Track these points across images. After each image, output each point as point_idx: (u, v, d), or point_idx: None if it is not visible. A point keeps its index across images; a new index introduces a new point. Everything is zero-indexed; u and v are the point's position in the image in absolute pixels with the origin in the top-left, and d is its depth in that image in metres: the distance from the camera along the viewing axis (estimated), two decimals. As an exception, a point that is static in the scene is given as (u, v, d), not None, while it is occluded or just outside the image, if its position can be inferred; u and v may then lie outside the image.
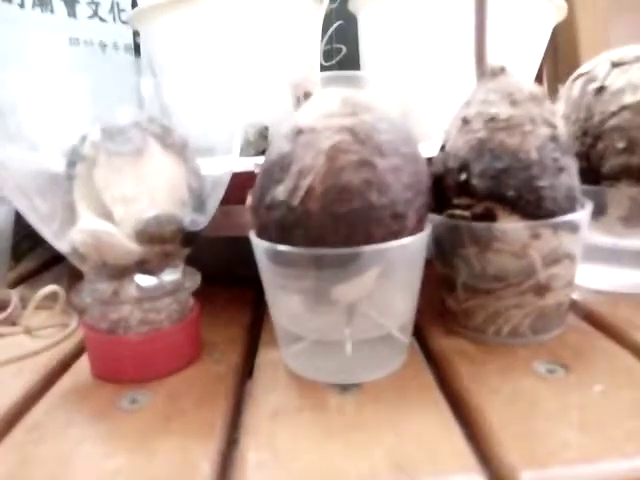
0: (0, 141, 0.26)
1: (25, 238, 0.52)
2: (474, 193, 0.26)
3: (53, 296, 0.35)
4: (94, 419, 0.24)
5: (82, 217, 0.25)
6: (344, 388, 0.25)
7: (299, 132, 0.23)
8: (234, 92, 0.31)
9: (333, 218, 0.22)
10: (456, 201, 0.27)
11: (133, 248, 0.24)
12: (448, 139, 0.28)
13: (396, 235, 0.23)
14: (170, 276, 0.28)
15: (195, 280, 0.28)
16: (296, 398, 0.25)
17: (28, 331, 0.33)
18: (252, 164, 0.34)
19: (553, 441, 0.21)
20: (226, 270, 0.40)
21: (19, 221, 0.45)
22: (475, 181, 0.26)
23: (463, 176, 0.27)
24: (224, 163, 0.30)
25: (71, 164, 0.26)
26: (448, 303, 0.31)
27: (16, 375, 0.28)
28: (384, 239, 0.23)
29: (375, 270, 0.24)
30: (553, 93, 0.36)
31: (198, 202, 0.28)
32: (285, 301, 0.27)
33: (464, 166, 0.27)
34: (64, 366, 0.29)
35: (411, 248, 0.24)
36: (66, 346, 0.32)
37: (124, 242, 0.24)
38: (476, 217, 0.27)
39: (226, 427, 0.23)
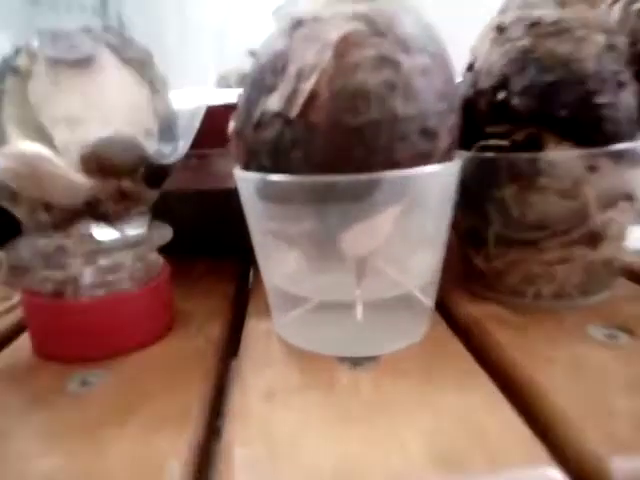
0: None
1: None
2: (514, 116, 0.21)
3: None
4: (30, 407, 0.18)
5: (13, 142, 0.19)
6: (355, 362, 0.20)
7: (297, 23, 0.18)
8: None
9: (343, 133, 0.17)
10: (490, 129, 0.22)
11: (78, 180, 0.18)
12: (477, 55, 0.23)
13: (425, 159, 0.18)
14: (134, 230, 0.22)
15: (164, 234, 0.23)
16: (296, 375, 0.19)
17: (-40, 305, 0.27)
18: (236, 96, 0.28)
19: (638, 420, 0.16)
20: (199, 235, 0.34)
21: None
22: (516, 101, 0.21)
23: (500, 96, 0.21)
24: (198, 94, 0.24)
25: (1, 79, 0.20)
26: (475, 261, 0.25)
27: (-63, 355, 0.22)
28: (410, 163, 0.18)
29: (395, 208, 0.19)
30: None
31: (167, 134, 0.22)
32: (280, 253, 0.22)
33: (501, 84, 0.21)
34: (1, 344, 0.23)
35: (443, 179, 0.19)
36: (4, 322, 0.25)
37: (65, 170, 0.18)
38: (516, 147, 0.22)
39: (204, 413, 0.18)
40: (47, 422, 0.17)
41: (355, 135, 0.17)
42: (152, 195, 0.21)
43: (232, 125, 0.21)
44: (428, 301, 0.22)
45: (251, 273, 0.33)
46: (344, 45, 0.17)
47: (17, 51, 0.21)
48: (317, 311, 0.21)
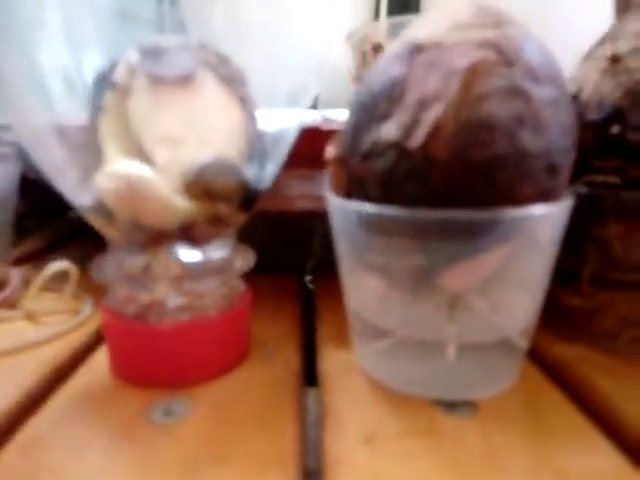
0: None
1: (29, 215, 0.46)
2: (629, 152, 0.20)
3: (62, 276, 0.28)
4: (117, 438, 0.17)
5: (111, 160, 0.18)
6: (451, 406, 0.19)
7: (417, 49, 0.17)
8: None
9: (466, 167, 0.16)
10: (598, 164, 0.21)
11: (179, 204, 0.18)
12: (583, 86, 0.22)
13: (546, 197, 0.17)
14: (217, 252, 0.21)
15: (248, 259, 0.22)
16: (392, 417, 0.18)
17: (30, 316, 0.27)
18: (319, 118, 0.28)
19: None
20: (266, 253, 0.33)
21: (24, 196, 0.39)
22: (632, 135, 0.20)
23: (614, 129, 0.20)
24: (286, 116, 0.23)
25: (97, 93, 0.20)
26: (564, 300, 0.24)
27: (11, 371, 0.21)
28: (532, 201, 0.16)
29: (506, 247, 0.18)
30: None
31: (257, 156, 0.21)
32: (369, 282, 0.21)
33: (615, 117, 0.20)
34: (74, 362, 0.23)
35: (558, 218, 0.18)
36: (78, 336, 0.25)
37: (168, 194, 0.17)
38: (628, 184, 0.20)
39: (301, 454, 0.17)
40: (138, 457, 0.16)
41: (478, 170, 0.16)
42: (242, 219, 0.21)
43: (331, 151, 0.20)
44: (525, 344, 0.21)
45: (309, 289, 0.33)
46: (472, 74, 0.16)
47: (113, 65, 0.20)
48: (403, 345, 0.20)
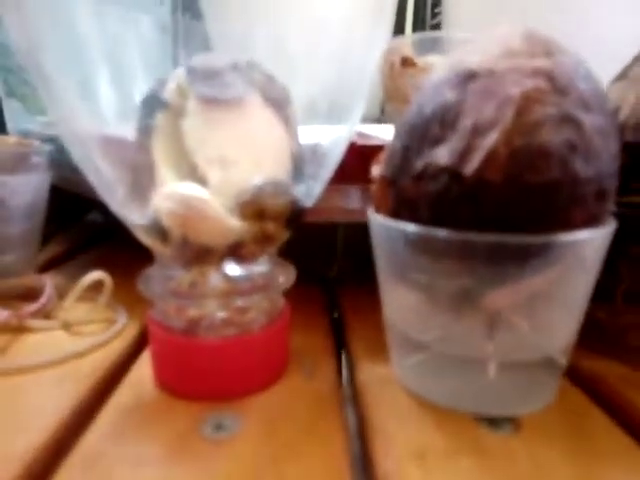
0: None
1: (50, 220, 0.46)
2: (668, 174, 0.20)
3: (96, 285, 0.29)
4: (170, 454, 0.17)
5: (165, 180, 0.19)
6: (493, 423, 0.19)
7: (471, 75, 0.17)
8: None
9: (519, 193, 0.16)
10: (636, 185, 0.21)
11: (233, 225, 0.18)
12: (620, 106, 0.22)
13: (595, 221, 0.17)
14: (259, 267, 0.22)
15: (290, 274, 0.22)
16: (437, 433, 0.19)
17: (66, 326, 0.27)
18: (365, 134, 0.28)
19: None
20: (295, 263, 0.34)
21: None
22: (671, 159, 0.20)
23: (653, 152, 0.21)
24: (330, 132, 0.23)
25: (148, 113, 0.20)
26: (597, 316, 0.25)
27: (57, 384, 0.22)
28: (582, 225, 0.17)
29: (554, 270, 0.18)
30: None
31: (301, 174, 0.22)
32: (412, 298, 0.21)
33: (654, 139, 0.21)
34: (117, 373, 0.23)
35: (605, 240, 0.18)
36: (116, 347, 0.25)
37: (223, 215, 0.18)
38: (666, 206, 0.21)
39: (357, 473, 0.17)
40: (196, 473, 0.17)
41: (532, 196, 0.16)
42: (286, 236, 0.21)
43: (377, 170, 0.20)
44: (565, 362, 0.21)
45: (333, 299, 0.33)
46: (526, 102, 0.16)
47: (161, 84, 0.21)
48: (443, 360, 0.21)
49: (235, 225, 0.18)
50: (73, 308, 0.28)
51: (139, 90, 0.21)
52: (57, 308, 0.28)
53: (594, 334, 0.25)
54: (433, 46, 0.32)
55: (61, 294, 0.29)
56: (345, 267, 0.36)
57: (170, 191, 0.18)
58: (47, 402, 0.20)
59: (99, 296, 0.29)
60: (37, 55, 0.18)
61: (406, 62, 0.31)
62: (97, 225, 0.52)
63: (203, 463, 0.17)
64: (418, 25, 0.78)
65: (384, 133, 0.30)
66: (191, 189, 0.17)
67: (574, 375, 0.23)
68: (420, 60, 0.30)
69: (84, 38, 0.20)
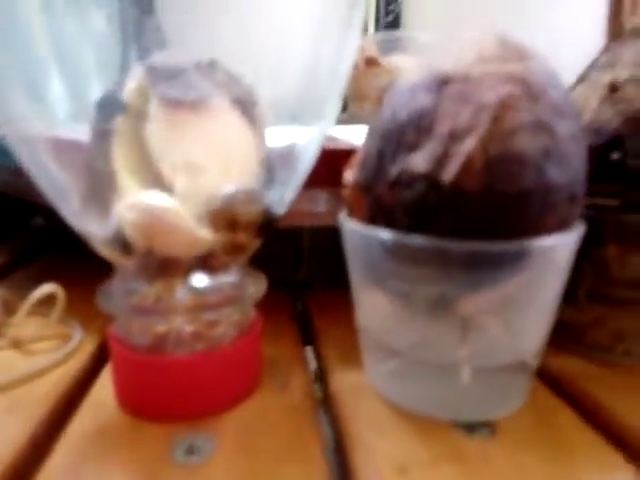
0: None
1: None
2: (628, 177, 0.21)
3: (46, 298, 0.27)
4: (141, 480, 0.16)
5: (128, 189, 0.17)
6: (470, 428, 0.19)
7: (446, 81, 0.17)
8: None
9: (496, 200, 0.16)
10: (598, 187, 0.22)
11: (203, 235, 0.17)
12: (585, 109, 0.23)
13: (565, 225, 0.18)
14: (228, 277, 0.21)
15: (261, 284, 0.21)
16: (418, 443, 0.18)
17: (17, 344, 0.25)
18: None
19: None
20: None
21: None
22: (631, 161, 0.21)
23: (614, 156, 0.21)
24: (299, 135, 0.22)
25: (105, 116, 0.19)
26: (562, 314, 0.25)
27: (9, 411, 0.20)
28: (553, 230, 0.17)
29: (526, 275, 0.18)
30: None
31: (270, 179, 0.21)
32: (385, 303, 0.21)
33: (615, 143, 0.21)
34: (75, 396, 0.21)
35: (576, 243, 0.19)
36: (72, 366, 0.24)
37: (192, 226, 0.17)
38: (626, 208, 0.21)
39: (337, 488, 0.17)
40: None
41: (508, 204, 0.16)
42: (257, 245, 0.20)
43: (350, 175, 0.20)
44: (536, 364, 0.21)
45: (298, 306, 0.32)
46: (501, 108, 0.16)
47: (118, 84, 0.19)
48: (417, 366, 0.21)
49: (205, 236, 0.17)
50: (24, 324, 0.26)
51: (91, 88, 0.20)
52: (5, 325, 0.26)
53: (559, 333, 0.26)
54: (396, 46, 0.32)
55: (9, 309, 0.27)
56: (312, 271, 0.35)
57: (135, 200, 0.16)
58: (-2, 433, 0.19)
59: (51, 310, 0.27)
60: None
61: (370, 62, 0.31)
62: (42, 231, 0.49)
63: (177, 491, 0.16)
64: (375, 23, 0.78)
65: (349, 135, 0.30)
66: (157, 198, 0.16)
67: (542, 374, 0.24)
68: (384, 60, 0.30)
69: (30, 34, 0.19)
